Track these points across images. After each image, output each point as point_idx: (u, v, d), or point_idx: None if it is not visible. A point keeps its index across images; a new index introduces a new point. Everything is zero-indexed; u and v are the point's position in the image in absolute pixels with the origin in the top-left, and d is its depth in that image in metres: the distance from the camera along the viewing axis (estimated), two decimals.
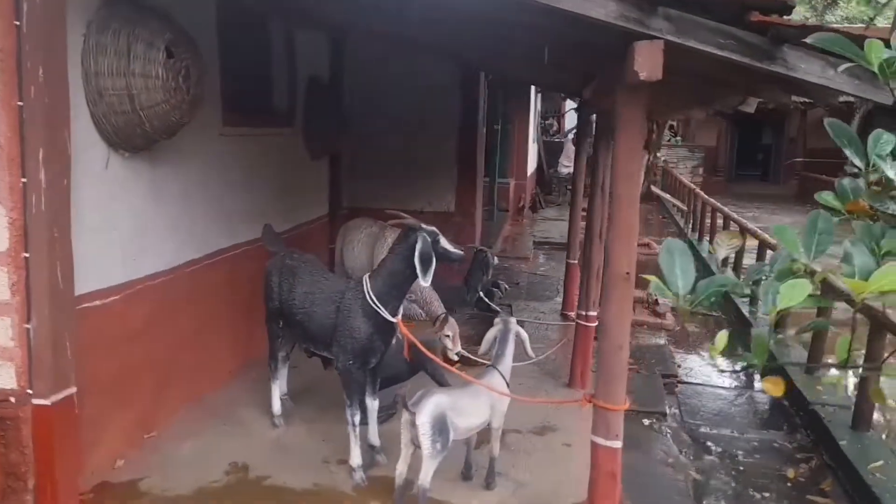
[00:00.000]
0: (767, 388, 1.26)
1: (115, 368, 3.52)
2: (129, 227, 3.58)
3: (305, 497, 3.41)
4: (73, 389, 3.02)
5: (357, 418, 3.50)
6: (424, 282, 3.30)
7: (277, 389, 4.08)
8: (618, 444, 2.70)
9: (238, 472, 3.60)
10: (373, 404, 3.68)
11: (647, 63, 2.27)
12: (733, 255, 7.78)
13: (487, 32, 3.90)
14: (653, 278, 1.34)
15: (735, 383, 5.98)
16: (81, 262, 3.15)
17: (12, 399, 2.89)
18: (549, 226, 13.13)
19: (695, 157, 21.36)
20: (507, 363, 3.49)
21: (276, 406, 4.07)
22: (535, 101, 14.65)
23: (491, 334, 3.55)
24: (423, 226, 3.40)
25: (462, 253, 3.57)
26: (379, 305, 3.37)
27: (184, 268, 4.12)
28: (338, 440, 3.80)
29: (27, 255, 2.81)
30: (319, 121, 5.89)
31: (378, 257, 4.80)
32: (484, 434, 3.52)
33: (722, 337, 1.23)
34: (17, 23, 2.64)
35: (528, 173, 14.57)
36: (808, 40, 1.52)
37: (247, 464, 3.66)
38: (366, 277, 3.45)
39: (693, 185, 14.56)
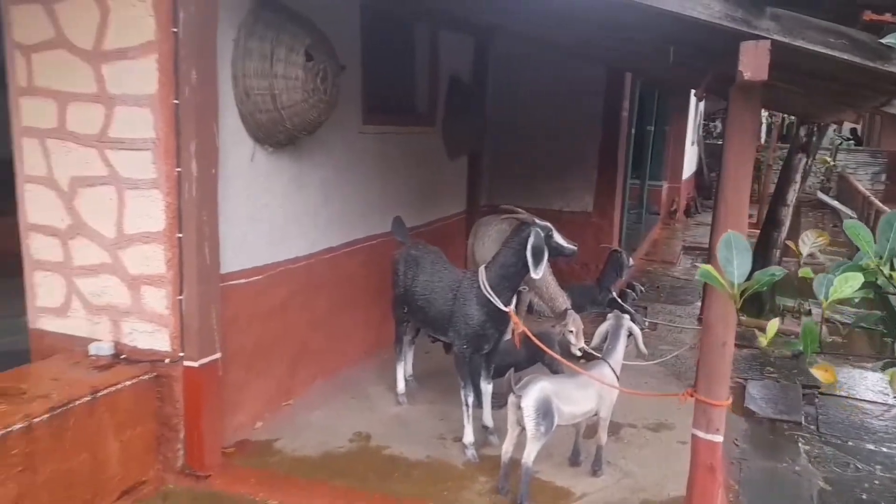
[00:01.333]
0: (819, 376, 1.11)
1: (258, 340, 3.83)
2: (274, 216, 3.87)
3: (419, 467, 3.54)
4: (217, 355, 3.34)
5: (470, 399, 3.61)
6: (535, 275, 3.37)
7: (402, 370, 4.23)
8: (718, 438, 2.59)
9: (361, 440, 3.80)
10: (487, 388, 3.74)
11: (752, 63, 2.16)
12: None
13: (615, 34, 3.80)
14: (705, 266, 1.29)
15: (885, 398, 5.25)
16: (231, 244, 3.49)
17: (167, 360, 3.25)
18: (703, 231, 12.31)
19: (877, 163, 18.97)
20: (617, 357, 3.42)
21: (401, 385, 4.23)
22: (695, 102, 13.83)
23: (603, 328, 3.52)
24: (537, 220, 3.44)
25: (575, 248, 3.54)
26: (492, 294, 3.43)
27: (322, 254, 4.38)
28: (455, 420, 3.92)
29: (180, 235, 3.15)
30: (460, 121, 5.99)
31: None
32: (594, 424, 3.48)
33: (773, 325, 1.12)
34: (175, 30, 2.96)
35: (685, 176, 13.79)
36: None
37: (369, 434, 3.86)
38: (481, 268, 3.53)
39: (867, 192, 12.98)
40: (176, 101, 3.02)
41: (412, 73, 5.57)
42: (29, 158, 3.29)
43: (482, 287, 3.45)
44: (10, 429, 2.58)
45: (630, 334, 3.47)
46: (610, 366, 3.37)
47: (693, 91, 11.87)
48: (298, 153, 3.98)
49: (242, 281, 3.65)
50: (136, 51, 2.99)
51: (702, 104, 14.94)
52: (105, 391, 2.99)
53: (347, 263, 4.67)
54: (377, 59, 4.76)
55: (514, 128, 7.00)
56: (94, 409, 2.94)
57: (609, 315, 3.54)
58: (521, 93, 6.93)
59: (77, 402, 2.86)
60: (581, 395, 3.25)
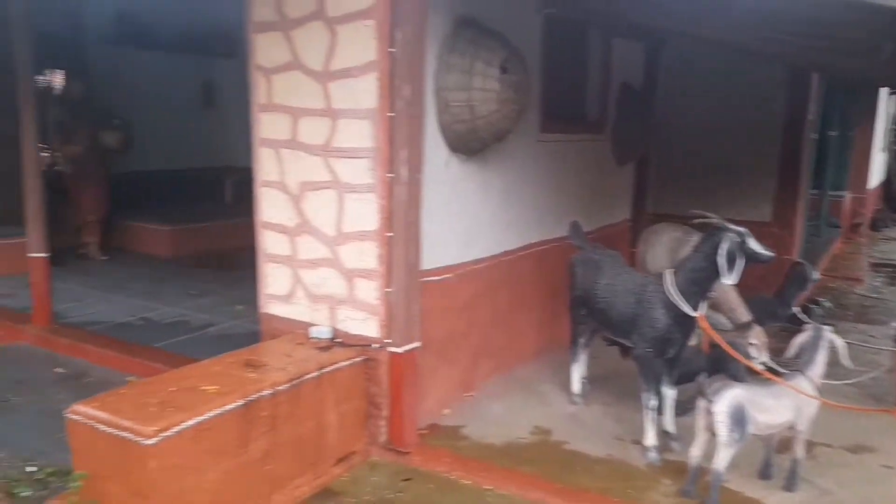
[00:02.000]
0: None
1: (446, 333, 4.11)
2: (462, 219, 4.15)
3: (600, 464, 3.63)
4: (416, 344, 3.66)
5: (653, 402, 3.62)
6: (728, 281, 3.34)
7: (577, 371, 4.33)
8: None
9: (541, 434, 3.95)
10: (669, 393, 3.73)
11: None
12: None
13: (813, 31, 3.67)
14: None
15: None
16: (427, 244, 3.79)
17: (375, 345, 3.61)
18: (892, 247, 11.20)
19: None
20: (816, 370, 3.29)
21: (576, 386, 4.33)
22: (885, 105, 12.59)
23: (799, 339, 3.38)
24: (730, 225, 3.39)
25: (773, 255, 3.45)
26: (679, 299, 3.44)
27: (502, 256, 4.60)
28: (631, 423, 3.96)
29: (390, 234, 3.50)
30: (629, 127, 6.00)
31: None
32: (786, 440, 3.37)
33: None
34: (392, 50, 3.32)
35: (871, 186, 12.59)
36: None
37: (548, 429, 3.99)
38: (668, 272, 3.55)
39: None
40: (391, 114, 3.38)
41: (584, 80, 5.68)
42: (265, 165, 3.82)
43: (669, 291, 3.47)
44: (261, 393, 3.03)
45: (831, 347, 3.32)
46: (808, 378, 3.25)
47: (884, 91, 10.88)
48: (485, 161, 4.23)
49: (436, 278, 3.95)
50: (360, 70, 3.38)
51: (892, 107, 13.56)
52: (328, 369, 3.40)
53: (523, 266, 4.87)
54: (554, 68, 4.92)
55: (684, 133, 6.83)
56: (319, 384, 3.35)
57: (807, 327, 3.42)
58: (691, 97, 6.75)
59: (308, 376, 3.28)
60: (775, 405, 3.17)
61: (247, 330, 5.21)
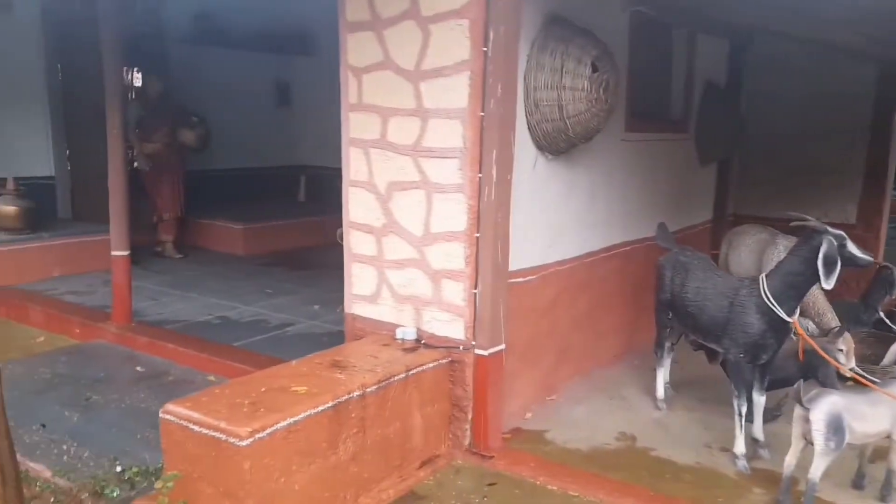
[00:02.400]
0: None
1: (529, 336, 4.04)
2: (548, 219, 4.07)
3: (688, 471, 3.52)
4: (502, 346, 3.61)
5: (744, 409, 3.52)
6: (827, 285, 3.22)
7: (662, 376, 4.21)
8: None
9: (626, 440, 3.84)
10: (759, 400, 3.61)
11: None
12: None
13: None
14: None
15: None
16: (513, 244, 3.73)
17: (461, 347, 3.57)
18: None
19: None
20: None
21: (661, 391, 4.21)
22: None
23: None
24: (829, 228, 3.27)
25: (871, 259, 3.33)
26: (774, 304, 3.33)
27: (585, 257, 4.50)
28: (718, 430, 3.85)
29: (478, 234, 3.46)
30: (713, 127, 5.80)
31: (767, 264, 4.60)
32: (881, 449, 3.25)
33: None
34: (485, 49, 3.27)
35: None
36: None
37: (633, 435, 3.89)
38: (763, 276, 3.43)
39: None
40: (482, 114, 3.33)
41: (668, 78, 5.52)
42: (354, 165, 3.83)
43: (763, 295, 3.34)
44: (351, 395, 3.02)
45: None
46: None
47: None
48: (570, 160, 4.14)
49: (521, 279, 3.88)
50: (451, 69, 3.35)
51: None
52: (415, 370, 3.38)
53: (605, 267, 4.75)
54: (639, 66, 4.79)
55: (766, 133, 6.61)
56: (406, 385, 3.34)
57: None
58: (775, 96, 6.52)
59: (395, 378, 3.26)
60: (872, 414, 3.04)
61: (325, 330, 5.26)
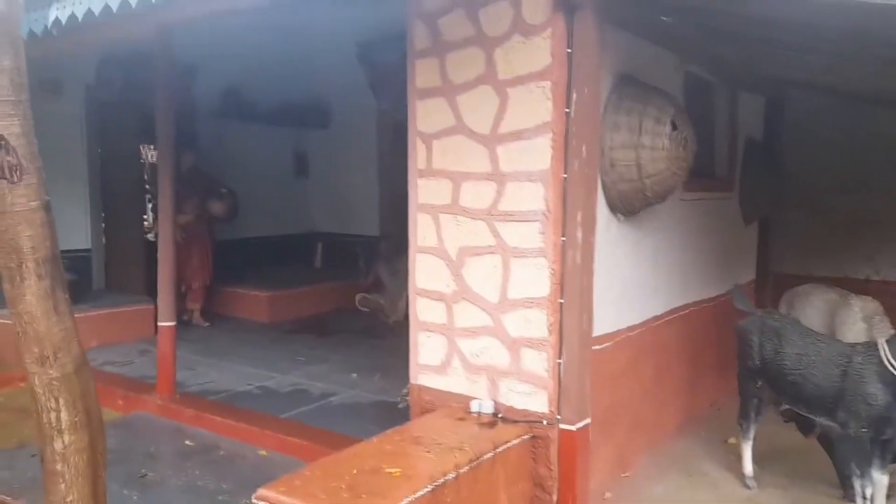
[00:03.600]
0: None
1: (604, 407, 3.79)
2: (618, 283, 3.90)
3: None
4: (588, 420, 3.36)
5: (868, 490, 3.24)
6: None
7: (749, 451, 3.89)
8: None
9: None
10: (882, 480, 3.30)
11: None
12: None
13: None
14: None
15: None
16: None
17: (544, 421, 3.32)
18: None
19: None
20: None
21: (749, 468, 3.86)
22: None
23: None
24: None
25: None
26: None
27: (650, 322, 4.31)
28: None
29: (562, 300, 3.27)
30: (756, 184, 5.72)
31: (841, 327, 4.41)
32: None
33: None
34: (567, 110, 3.17)
35: None
36: None
37: None
38: (882, 341, 3.21)
39: None
40: (565, 175, 3.20)
41: (713, 136, 5.47)
42: (422, 231, 3.67)
43: (885, 362, 3.12)
44: (446, 477, 2.77)
45: None
46: None
47: None
48: (638, 222, 4.01)
49: (597, 347, 3.68)
50: (532, 132, 3.24)
51: None
52: (502, 447, 3.13)
53: (667, 332, 4.55)
54: (693, 125, 4.72)
55: (806, 186, 6.44)
56: (494, 464, 3.07)
57: None
58: (817, 149, 6.31)
59: (484, 457, 3.01)
60: None
61: (369, 400, 5.02)
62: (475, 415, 3.44)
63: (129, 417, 4.98)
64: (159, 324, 5.09)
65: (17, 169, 1.99)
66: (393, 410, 4.77)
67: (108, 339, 6.40)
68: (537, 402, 3.35)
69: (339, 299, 8.27)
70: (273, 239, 9.11)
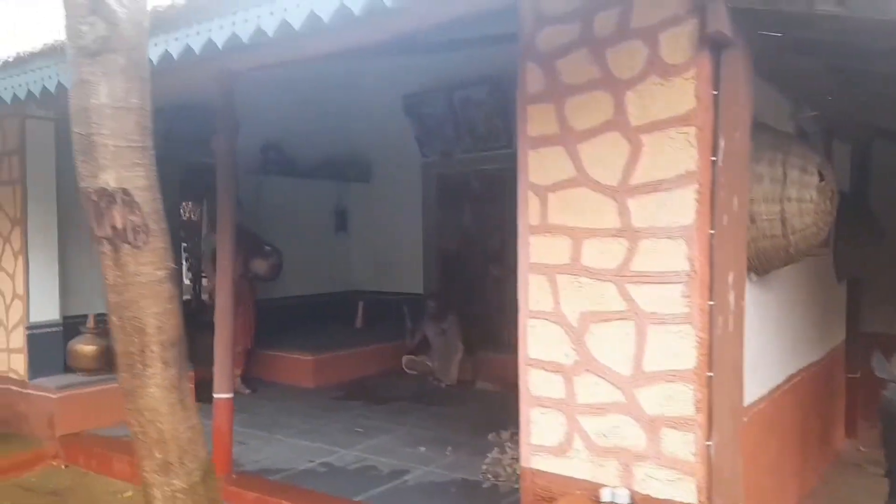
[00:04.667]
0: None
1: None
2: (748, 352, 3.47)
3: None
4: None
5: None
6: None
7: None
8: None
9: None
10: None
11: None
12: None
13: None
14: None
15: None
16: None
17: None
18: None
19: None
20: None
21: None
22: None
23: None
24: None
25: None
26: None
27: (774, 392, 3.86)
28: None
29: (711, 373, 2.84)
30: (848, 238, 5.34)
31: None
32: None
33: None
34: (713, 158, 2.83)
35: None
36: None
37: None
38: None
39: None
40: (712, 231, 2.83)
41: None
42: (535, 294, 3.28)
43: None
44: None
45: None
46: None
47: None
48: (767, 282, 3.62)
49: None
50: (672, 182, 2.88)
51: None
52: None
53: (786, 402, 4.10)
54: None
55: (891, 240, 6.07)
56: None
57: None
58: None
59: None
60: None
61: (447, 478, 4.53)
62: None
63: None
64: (215, 396, 4.66)
65: (142, 230, 1.62)
66: (477, 490, 4.31)
67: None
68: (683, 491, 2.89)
69: (384, 361, 7.88)
70: (311, 298, 8.72)
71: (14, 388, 5.58)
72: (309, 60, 4.09)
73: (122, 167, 1.56)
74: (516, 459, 4.61)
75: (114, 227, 1.54)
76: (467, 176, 8.06)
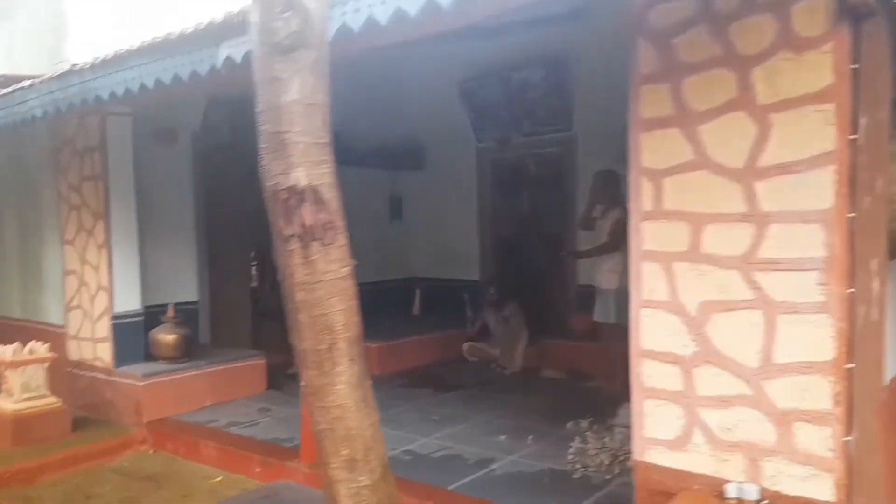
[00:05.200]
0: None
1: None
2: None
3: None
4: None
5: None
6: None
7: None
8: None
9: None
10: None
11: None
12: None
13: None
14: None
15: None
16: None
17: None
18: None
19: None
20: None
21: None
22: None
23: None
24: None
25: None
26: None
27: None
28: None
29: (851, 365, 2.67)
30: None
31: None
32: None
33: None
34: (854, 136, 2.64)
35: None
36: None
37: None
38: None
39: None
40: (852, 215, 2.65)
41: None
42: (649, 282, 3.14)
43: None
44: None
45: None
46: None
47: None
48: (894, 269, 3.40)
49: None
50: (806, 164, 2.70)
51: None
52: None
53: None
54: None
55: None
56: None
57: None
58: None
59: None
60: None
61: (535, 468, 4.43)
62: (733, 501, 2.84)
63: (273, 486, 4.48)
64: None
65: (330, 228, 1.53)
66: (569, 481, 4.21)
67: (222, 397, 6.00)
68: (820, 488, 2.73)
69: (444, 349, 7.82)
70: (368, 285, 8.64)
71: (101, 375, 5.67)
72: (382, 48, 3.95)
73: (311, 164, 1.48)
74: (601, 449, 4.55)
75: (303, 225, 1.47)
76: (524, 160, 7.90)
